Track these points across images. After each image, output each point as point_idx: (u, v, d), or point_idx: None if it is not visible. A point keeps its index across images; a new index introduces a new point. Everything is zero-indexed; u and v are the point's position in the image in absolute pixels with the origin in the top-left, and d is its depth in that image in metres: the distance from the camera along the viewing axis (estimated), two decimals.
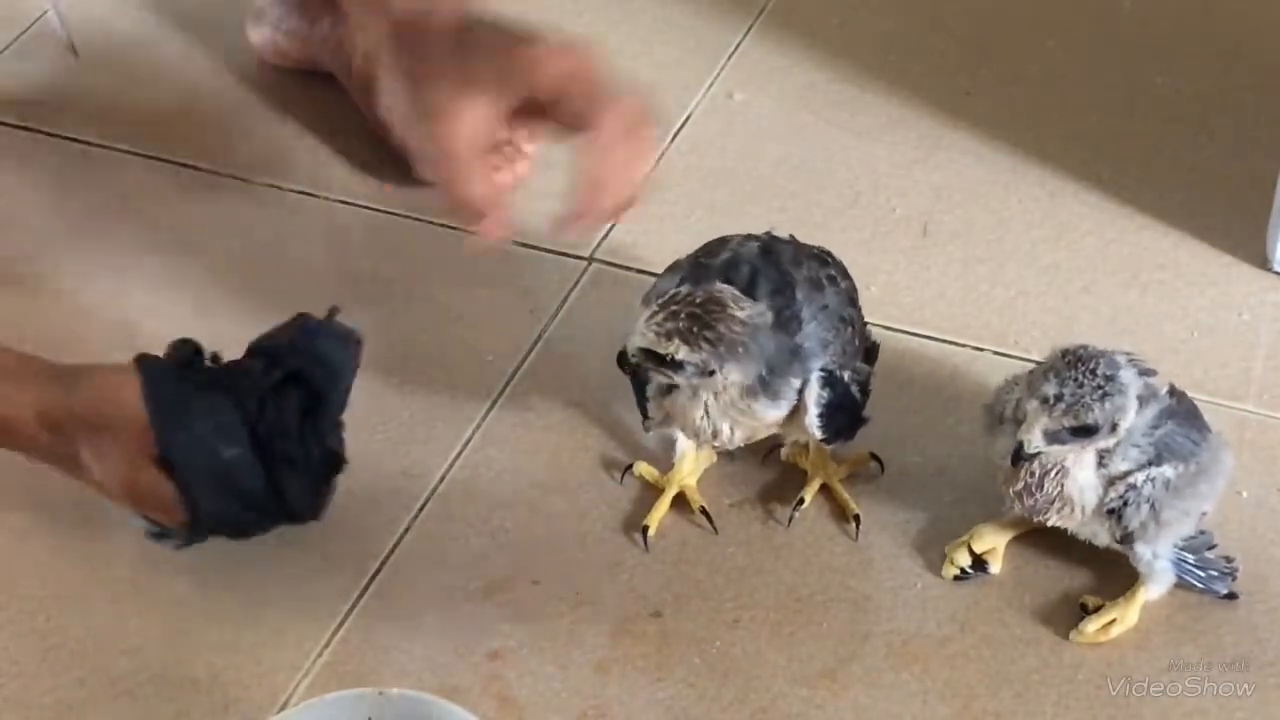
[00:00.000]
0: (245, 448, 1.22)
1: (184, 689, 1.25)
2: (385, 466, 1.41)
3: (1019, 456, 1.23)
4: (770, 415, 1.28)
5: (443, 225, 1.63)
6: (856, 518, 1.35)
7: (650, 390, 1.30)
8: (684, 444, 1.36)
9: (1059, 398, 1.21)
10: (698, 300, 1.23)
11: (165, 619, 1.30)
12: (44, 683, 1.26)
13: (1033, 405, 1.21)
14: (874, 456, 1.38)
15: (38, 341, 1.53)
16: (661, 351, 1.23)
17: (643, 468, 1.38)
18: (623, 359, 1.28)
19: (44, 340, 1.52)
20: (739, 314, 1.23)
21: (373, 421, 1.45)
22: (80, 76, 1.80)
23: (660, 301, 1.25)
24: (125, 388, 1.22)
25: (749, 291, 1.27)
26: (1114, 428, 1.22)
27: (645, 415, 1.33)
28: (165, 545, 1.27)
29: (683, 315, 1.23)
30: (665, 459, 1.39)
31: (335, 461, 1.27)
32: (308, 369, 1.25)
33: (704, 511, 1.35)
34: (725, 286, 1.26)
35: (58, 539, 1.36)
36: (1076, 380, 1.21)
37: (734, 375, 1.25)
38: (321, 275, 1.58)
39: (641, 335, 1.24)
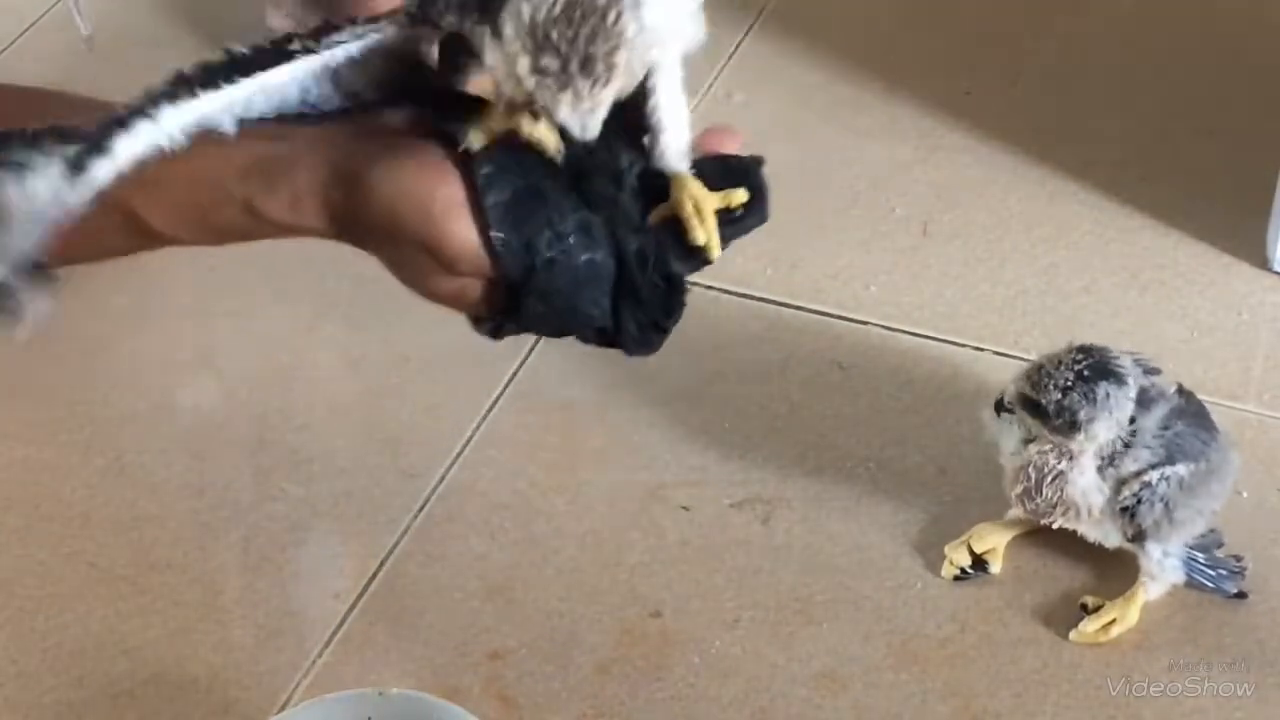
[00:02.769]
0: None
1: (184, 689, 1.25)
2: (385, 466, 1.41)
3: (997, 407, 1.29)
4: None
5: None
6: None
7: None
8: None
9: (1039, 368, 1.25)
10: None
11: (165, 619, 1.30)
12: (44, 683, 1.26)
13: (1026, 367, 1.27)
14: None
15: (43, 340, 1.54)
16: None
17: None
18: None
19: (46, 339, 1.52)
20: None
21: (373, 421, 1.45)
22: (87, 72, 1.80)
23: None
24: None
25: None
26: (1073, 426, 1.23)
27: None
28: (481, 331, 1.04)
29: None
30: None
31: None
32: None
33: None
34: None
35: (58, 539, 1.36)
36: (1061, 364, 1.23)
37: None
38: (322, 275, 1.58)
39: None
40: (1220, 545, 1.32)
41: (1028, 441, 1.27)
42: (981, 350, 1.51)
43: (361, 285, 1.57)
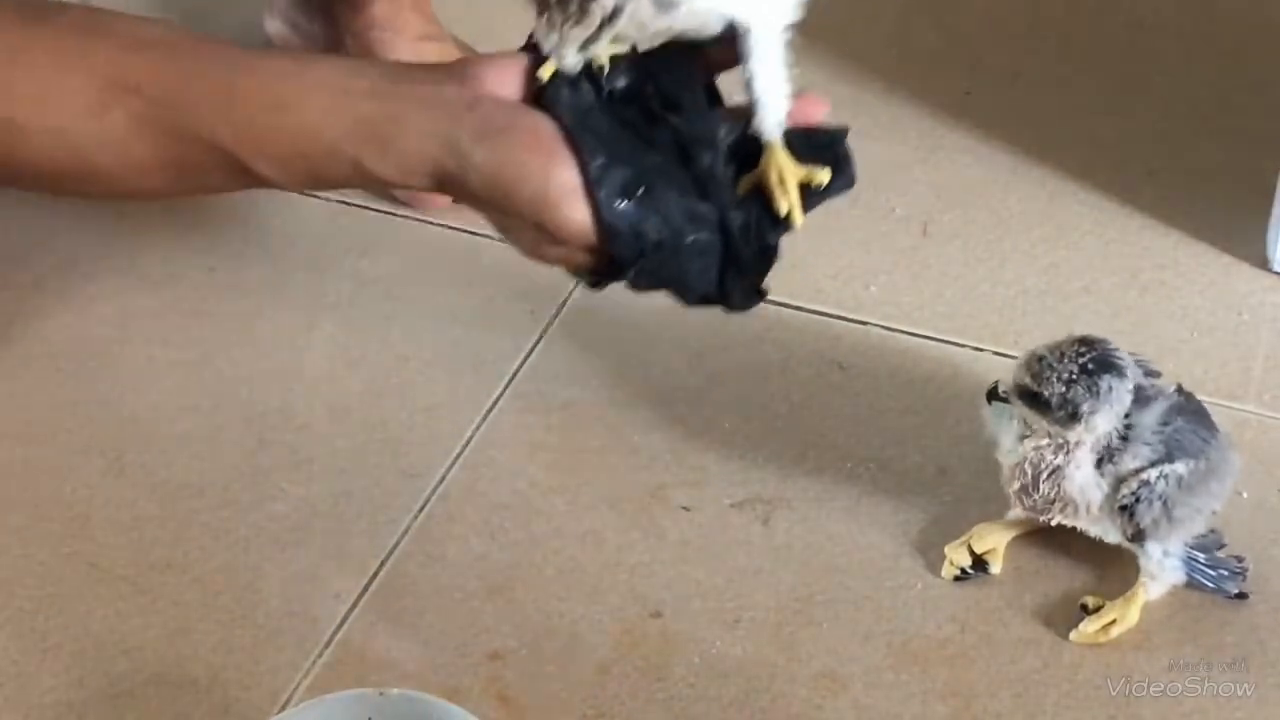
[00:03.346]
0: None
1: (184, 689, 1.25)
2: (385, 466, 1.41)
3: (991, 395, 1.28)
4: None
5: (443, 225, 1.63)
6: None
7: None
8: None
9: (1040, 359, 1.24)
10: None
11: (165, 619, 1.30)
12: (44, 683, 1.26)
13: (1023, 358, 1.26)
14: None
15: (43, 339, 1.54)
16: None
17: None
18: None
19: (45, 338, 1.53)
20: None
21: (373, 421, 1.45)
22: None
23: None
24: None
25: None
26: (1074, 418, 1.23)
27: None
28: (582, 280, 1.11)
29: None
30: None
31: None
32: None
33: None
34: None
35: (58, 539, 1.36)
36: (1063, 356, 1.23)
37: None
38: (322, 275, 1.58)
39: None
40: (1221, 545, 1.32)
41: (1024, 437, 1.27)
42: (981, 350, 1.51)
43: (362, 285, 1.57)
